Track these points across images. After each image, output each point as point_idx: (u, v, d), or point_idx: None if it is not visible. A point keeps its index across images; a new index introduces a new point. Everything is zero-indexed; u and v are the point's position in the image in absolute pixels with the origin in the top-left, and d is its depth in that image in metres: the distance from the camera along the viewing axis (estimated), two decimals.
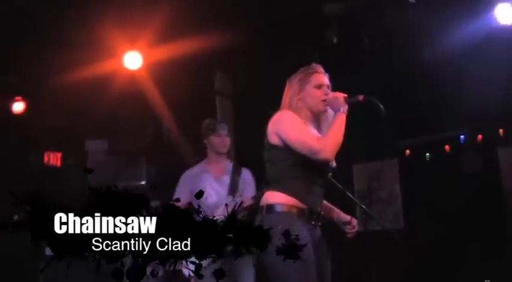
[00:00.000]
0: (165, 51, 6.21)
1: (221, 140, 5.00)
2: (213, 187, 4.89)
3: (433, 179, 7.01)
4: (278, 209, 3.14)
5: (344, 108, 3.23)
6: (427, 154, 7.33)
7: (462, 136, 7.10)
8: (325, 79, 3.40)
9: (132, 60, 6.43)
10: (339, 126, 3.18)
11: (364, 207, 5.02)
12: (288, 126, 3.21)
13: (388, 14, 5.86)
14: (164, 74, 6.66)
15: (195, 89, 6.91)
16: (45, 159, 7.57)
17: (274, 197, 3.19)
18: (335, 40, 6.03)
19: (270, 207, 3.17)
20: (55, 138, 7.58)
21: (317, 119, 3.40)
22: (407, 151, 7.36)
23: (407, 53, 6.37)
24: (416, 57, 6.30)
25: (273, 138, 3.23)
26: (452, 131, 7.16)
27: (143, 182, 7.88)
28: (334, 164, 3.40)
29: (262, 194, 3.46)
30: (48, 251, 6.84)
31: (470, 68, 6.15)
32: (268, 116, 3.36)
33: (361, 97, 3.30)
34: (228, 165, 5.04)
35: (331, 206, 3.64)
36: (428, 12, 5.66)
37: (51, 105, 7.00)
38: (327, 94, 3.33)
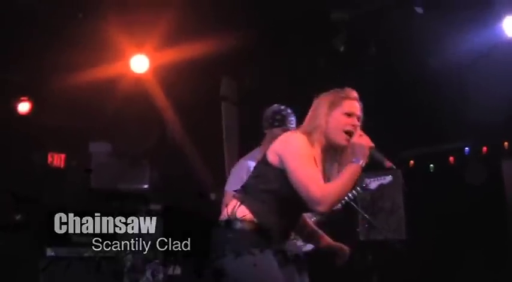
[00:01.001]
0: (172, 55, 6.22)
1: None
2: None
3: (437, 190, 6.99)
4: (244, 225, 2.83)
5: (364, 160, 2.81)
6: (431, 165, 7.32)
7: (467, 148, 7.08)
8: (357, 108, 2.99)
9: (139, 64, 6.44)
10: (350, 179, 2.80)
11: (367, 216, 5.03)
12: (295, 156, 2.82)
13: (395, 22, 5.86)
14: (170, 77, 6.67)
15: (201, 93, 6.91)
16: (49, 160, 7.57)
17: (243, 212, 2.86)
18: (342, 48, 6.01)
19: (235, 222, 2.85)
20: (59, 139, 7.58)
21: (330, 150, 3.00)
22: (411, 162, 7.34)
23: (414, 63, 6.37)
24: (422, 67, 6.31)
25: (272, 157, 2.88)
26: (457, 143, 7.15)
27: (146, 186, 7.89)
28: None
29: None
30: (49, 252, 6.84)
31: (476, 79, 6.16)
32: None
33: (388, 164, 2.89)
34: None
35: (320, 233, 3.35)
36: (435, 22, 5.65)
37: (57, 106, 7.00)
38: (353, 126, 2.93)
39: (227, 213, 2.90)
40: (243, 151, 7.34)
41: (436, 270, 6.73)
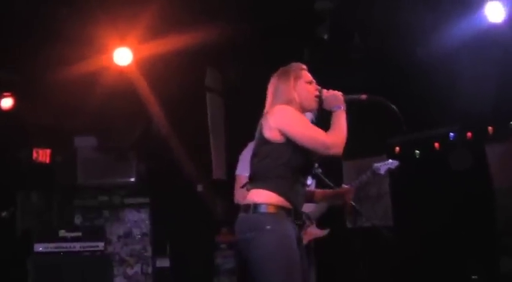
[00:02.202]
0: (155, 47, 6.16)
1: None
2: None
3: (423, 176, 7.02)
4: (266, 209, 3.08)
5: (343, 105, 3.26)
6: (417, 151, 7.34)
7: (452, 133, 7.11)
8: (310, 76, 3.41)
9: (122, 56, 6.37)
10: (343, 123, 3.20)
11: (354, 204, 5.03)
12: (295, 122, 3.14)
13: (379, 11, 5.85)
14: (154, 70, 6.61)
15: (186, 85, 6.89)
16: (34, 155, 7.51)
17: (262, 196, 3.12)
18: (326, 37, 6.01)
19: (258, 207, 3.09)
20: (44, 135, 7.52)
21: None
22: (397, 148, 7.35)
23: (398, 51, 6.38)
24: (407, 54, 6.31)
25: (271, 133, 3.13)
26: (442, 129, 7.17)
27: (132, 179, 7.86)
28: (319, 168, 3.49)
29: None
30: (36, 247, 6.81)
31: (460, 66, 6.17)
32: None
33: (363, 96, 3.35)
34: None
35: (316, 190, 3.78)
36: (419, 9, 5.66)
37: (40, 101, 6.94)
38: (317, 89, 3.34)
39: (251, 199, 3.15)
40: (230, 142, 7.37)
41: (423, 256, 6.76)
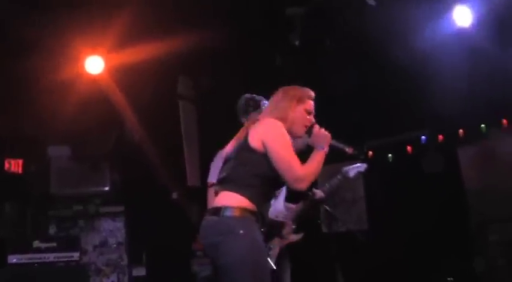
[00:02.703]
0: (127, 56, 6.16)
1: None
2: None
3: (396, 180, 7.08)
4: (237, 212, 3.09)
5: (327, 147, 3.29)
6: (390, 155, 7.40)
7: (423, 137, 7.18)
8: (313, 107, 3.44)
9: (94, 65, 6.36)
10: (320, 162, 3.23)
11: (329, 209, 5.06)
12: (279, 141, 3.17)
13: (348, 16, 5.91)
14: (126, 78, 6.59)
15: (158, 93, 6.87)
16: (6, 166, 7.43)
17: (233, 200, 3.14)
18: (297, 42, 6.05)
19: (228, 210, 3.11)
20: (16, 145, 7.44)
21: None
22: (370, 152, 7.41)
23: (369, 55, 6.43)
24: (378, 59, 6.37)
25: (255, 142, 3.18)
26: (414, 132, 7.24)
27: (107, 188, 7.81)
28: None
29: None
30: (10, 259, 6.72)
31: (430, 70, 6.24)
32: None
33: (350, 149, 3.41)
34: None
35: None
36: (388, 14, 5.71)
37: (12, 111, 6.87)
38: (311, 122, 3.38)
39: (221, 203, 3.17)
40: (203, 149, 7.37)
41: (398, 259, 6.80)
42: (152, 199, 7.58)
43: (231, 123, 4.24)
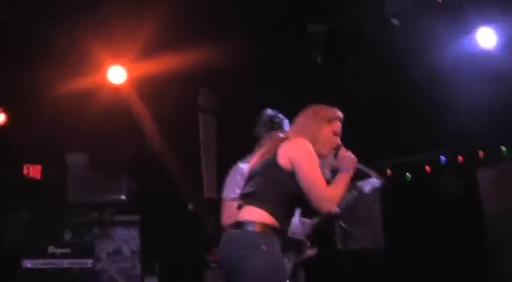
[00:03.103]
0: (149, 66, 6.21)
1: None
2: None
3: (414, 199, 7.05)
4: (260, 228, 3.11)
5: (352, 171, 3.29)
6: (408, 174, 7.37)
7: (443, 157, 7.14)
8: (341, 129, 3.45)
9: (116, 75, 6.42)
10: (344, 185, 3.22)
11: (344, 225, 5.04)
12: (307, 160, 3.19)
13: (371, 34, 5.91)
14: (148, 88, 6.65)
15: (179, 104, 6.91)
16: (25, 171, 7.50)
17: (257, 215, 3.14)
18: (320, 60, 6.06)
19: (252, 225, 3.12)
20: (35, 151, 7.51)
21: None
22: (388, 171, 7.39)
23: (391, 74, 6.43)
24: (399, 77, 6.37)
25: (284, 160, 3.19)
26: (433, 152, 7.21)
27: (123, 197, 7.83)
28: None
29: None
30: (25, 263, 6.75)
31: (451, 89, 6.22)
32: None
33: (375, 175, 3.51)
34: None
35: None
36: (410, 32, 5.72)
37: (33, 117, 6.94)
38: (337, 143, 3.39)
39: (245, 217, 3.19)
40: (221, 162, 7.38)
41: (414, 280, 6.76)
42: (168, 210, 7.59)
43: (250, 137, 4.26)
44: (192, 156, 7.31)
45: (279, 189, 3.18)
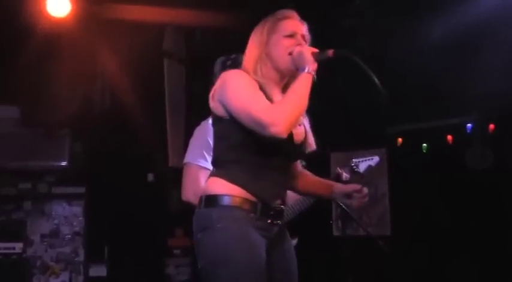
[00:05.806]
0: None
1: None
2: None
3: (430, 176, 7.08)
4: (219, 201, 2.96)
5: (310, 66, 2.97)
6: (424, 145, 7.40)
7: (469, 125, 7.17)
8: (299, 27, 3.16)
9: (58, 5, 6.26)
10: (299, 90, 2.93)
11: (343, 206, 5.07)
12: (232, 91, 2.95)
13: None
14: (99, 22, 6.52)
15: (139, 45, 6.79)
16: None
17: (215, 186, 3.01)
18: None
19: (209, 200, 2.99)
20: None
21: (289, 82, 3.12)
22: (399, 140, 7.41)
23: (411, 27, 6.39)
24: (422, 29, 6.33)
25: (217, 107, 3.02)
26: (457, 118, 7.22)
27: (64, 163, 7.78)
28: (313, 147, 3.20)
29: None
30: None
31: (484, 44, 6.19)
32: None
33: (330, 52, 3.00)
34: None
35: (319, 179, 3.43)
36: None
37: None
38: (293, 44, 3.10)
39: (204, 191, 3.06)
40: (191, 120, 7.34)
41: (426, 272, 6.84)
42: (122, 180, 7.58)
43: None
44: (154, 113, 7.26)
45: (226, 144, 3.03)
